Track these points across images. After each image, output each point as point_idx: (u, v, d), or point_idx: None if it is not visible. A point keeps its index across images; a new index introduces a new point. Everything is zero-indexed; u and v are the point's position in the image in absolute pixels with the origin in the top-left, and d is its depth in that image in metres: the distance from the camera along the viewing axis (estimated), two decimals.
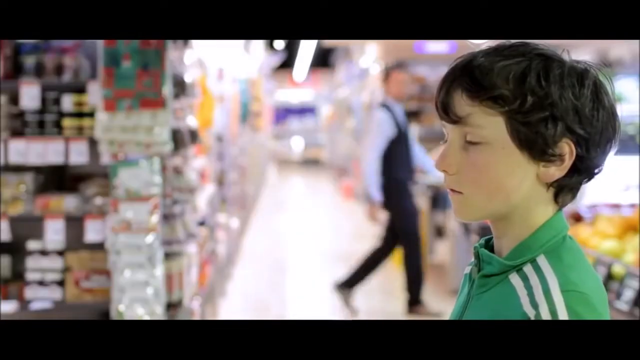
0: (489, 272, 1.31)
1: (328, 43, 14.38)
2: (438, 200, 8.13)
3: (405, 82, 6.99)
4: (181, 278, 4.28)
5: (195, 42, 5.46)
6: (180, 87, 4.57)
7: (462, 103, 1.28)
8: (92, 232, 4.09)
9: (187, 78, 4.79)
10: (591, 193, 5.27)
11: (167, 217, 4.31)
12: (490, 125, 1.27)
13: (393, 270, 8.81)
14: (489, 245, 1.36)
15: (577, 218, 4.79)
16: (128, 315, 3.83)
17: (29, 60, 4.25)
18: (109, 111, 3.91)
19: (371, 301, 7.29)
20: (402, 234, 6.88)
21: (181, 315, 4.25)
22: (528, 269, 1.27)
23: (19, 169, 4.23)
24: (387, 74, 6.99)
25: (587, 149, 1.27)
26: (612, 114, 1.28)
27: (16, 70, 4.27)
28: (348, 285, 6.96)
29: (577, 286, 1.23)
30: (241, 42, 9.76)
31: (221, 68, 7.63)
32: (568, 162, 1.27)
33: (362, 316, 6.89)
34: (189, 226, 4.66)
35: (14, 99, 4.17)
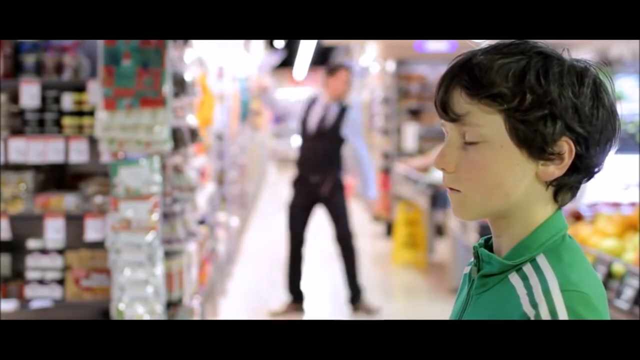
0: (488, 272, 1.31)
1: (328, 42, 14.37)
2: (438, 199, 8.13)
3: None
4: (181, 277, 4.28)
5: (195, 41, 5.45)
6: (181, 85, 4.57)
7: (461, 101, 1.28)
8: (92, 230, 4.09)
9: (187, 77, 4.78)
10: (591, 192, 5.27)
11: (167, 216, 4.31)
12: (489, 123, 1.26)
13: (393, 270, 8.82)
14: (488, 245, 1.36)
15: (577, 217, 4.79)
16: (128, 314, 3.83)
17: (29, 59, 4.25)
18: (109, 110, 3.91)
19: (371, 301, 7.27)
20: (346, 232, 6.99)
21: (181, 314, 4.25)
22: (527, 268, 1.27)
23: (19, 167, 4.23)
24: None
25: (587, 148, 1.26)
26: (612, 113, 1.28)
27: (16, 69, 4.27)
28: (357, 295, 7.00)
29: (577, 286, 1.22)
30: (241, 41, 9.75)
31: (221, 67, 7.63)
32: (567, 160, 1.26)
33: (362, 316, 6.89)
34: (189, 225, 4.66)
35: (14, 98, 4.17)
